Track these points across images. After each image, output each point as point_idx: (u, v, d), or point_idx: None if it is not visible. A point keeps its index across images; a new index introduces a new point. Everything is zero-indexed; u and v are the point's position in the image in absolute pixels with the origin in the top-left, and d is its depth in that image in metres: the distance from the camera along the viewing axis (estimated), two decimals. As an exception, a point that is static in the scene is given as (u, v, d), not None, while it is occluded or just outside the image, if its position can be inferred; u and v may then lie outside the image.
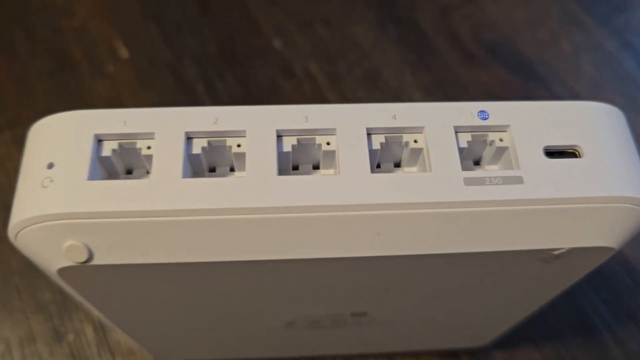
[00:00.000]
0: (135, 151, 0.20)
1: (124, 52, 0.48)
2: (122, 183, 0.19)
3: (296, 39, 0.49)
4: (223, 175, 0.22)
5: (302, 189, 0.19)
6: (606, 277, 0.39)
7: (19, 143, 0.43)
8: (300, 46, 0.49)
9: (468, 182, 0.20)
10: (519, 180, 0.20)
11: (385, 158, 0.22)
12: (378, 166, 0.22)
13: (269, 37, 0.49)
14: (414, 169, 0.22)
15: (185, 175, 0.19)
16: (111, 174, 0.21)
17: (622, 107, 0.46)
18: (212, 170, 0.22)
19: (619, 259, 0.40)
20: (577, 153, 0.21)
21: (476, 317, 0.30)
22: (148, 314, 0.26)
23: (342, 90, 0.46)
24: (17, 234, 0.20)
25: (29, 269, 0.38)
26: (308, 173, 0.22)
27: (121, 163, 0.21)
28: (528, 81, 0.48)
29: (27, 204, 0.19)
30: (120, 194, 0.19)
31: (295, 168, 0.22)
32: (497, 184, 0.20)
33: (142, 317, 0.26)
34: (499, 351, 0.37)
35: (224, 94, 0.46)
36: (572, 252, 0.21)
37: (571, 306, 0.38)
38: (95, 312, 0.25)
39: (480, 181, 0.20)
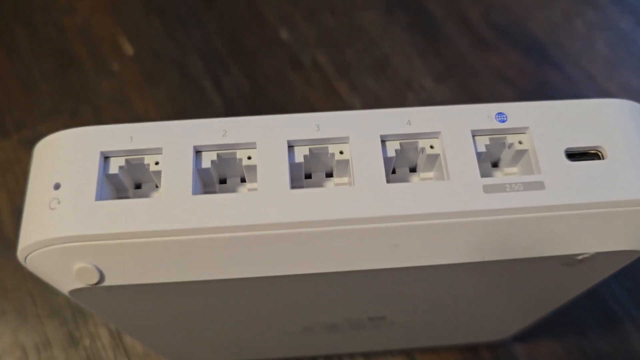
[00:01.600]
0: (143, 167, 0.20)
1: (128, 49, 0.47)
2: (130, 203, 0.18)
3: (302, 28, 0.48)
4: (234, 186, 0.21)
5: (316, 202, 0.18)
6: (627, 265, 0.38)
7: (27, 146, 0.43)
8: (307, 36, 0.48)
9: (488, 189, 0.19)
10: (540, 185, 0.19)
11: (400, 163, 0.21)
12: (393, 171, 0.21)
13: (275, 28, 0.48)
14: (431, 174, 0.21)
15: (195, 192, 0.19)
16: (119, 190, 0.21)
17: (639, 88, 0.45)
18: (222, 180, 0.21)
19: None
20: (600, 154, 0.20)
21: (497, 315, 0.30)
22: (162, 325, 0.25)
23: (351, 79, 0.45)
24: (26, 257, 0.19)
25: (42, 274, 0.38)
26: (321, 182, 0.21)
27: (129, 178, 0.21)
28: (541, 64, 0.47)
29: (35, 226, 0.19)
30: (129, 214, 0.18)
31: (308, 176, 0.21)
32: (517, 190, 0.19)
33: (157, 328, 0.26)
34: (519, 344, 0.37)
35: (232, 88, 0.45)
36: (596, 256, 0.20)
37: (592, 296, 0.38)
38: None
39: (500, 188, 0.19)
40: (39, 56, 0.47)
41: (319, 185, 0.21)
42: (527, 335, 0.36)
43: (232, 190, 0.21)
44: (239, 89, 0.45)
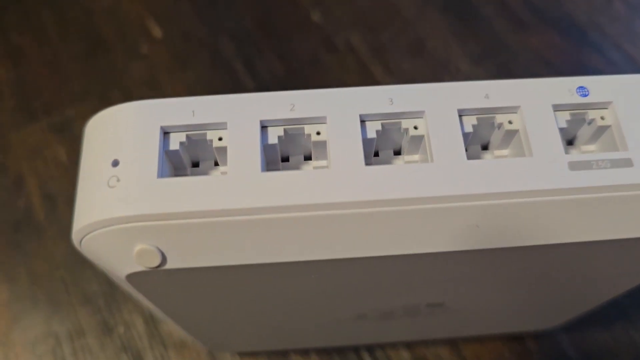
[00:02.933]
0: (205, 143, 0.19)
1: (157, 31, 0.46)
2: (195, 180, 0.17)
3: (336, 10, 0.47)
4: (297, 164, 0.20)
5: (395, 180, 0.17)
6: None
7: (56, 130, 0.42)
8: (340, 17, 0.46)
9: (573, 166, 0.18)
10: (628, 162, 0.18)
11: (473, 140, 0.20)
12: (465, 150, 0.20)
13: (307, 9, 0.47)
14: (505, 151, 0.20)
15: (264, 169, 0.18)
16: (177, 168, 0.19)
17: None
18: (284, 159, 0.20)
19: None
20: (688, 128, 0.19)
21: (554, 303, 0.29)
22: (213, 311, 0.24)
23: (387, 62, 0.44)
24: (82, 239, 0.18)
25: (75, 262, 0.37)
26: (390, 160, 0.20)
27: (187, 155, 0.19)
28: (581, 46, 0.45)
29: (93, 206, 0.18)
30: (196, 193, 0.17)
31: (375, 153, 0.20)
32: (604, 167, 0.18)
33: (206, 315, 0.25)
34: (566, 334, 0.36)
35: (265, 71, 0.44)
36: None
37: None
38: (148, 305, 0.24)
39: (586, 165, 0.18)
40: (67, 40, 0.46)
41: (388, 162, 0.20)
42: (573, 325, 0.35)
43: (298, 169, 0.20)
44: (272, 72, 0.44)
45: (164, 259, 0.18)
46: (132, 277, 0.19)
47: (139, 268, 0.18)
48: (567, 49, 0.45)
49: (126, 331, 0.36)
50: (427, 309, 0.26)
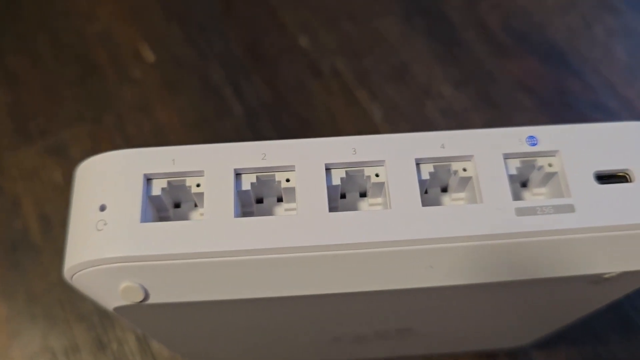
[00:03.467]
0: (185, 188, 0.20)
1: (149, 56, 0.48)
2: (174, 225, 0.19)
3: (322, 36, 0.48)
4: (271, 206, 0.22)
5: (355, 226, 0.19)
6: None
7: (52, 152, 0.44)
8: (326, 43, 0.48)
9: (520, 212, 0.20)
10: (570, 208, 0.20)
11: (432, 184, 0.22)
12: (425, 192, 0.22)
13: (295, 35, 0.49)
14: (462, 195, 0.22)
15: (236, 214, 0.19)
16: (160, 210, 0.21)
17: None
18: (259, 200, 0.22)
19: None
20: (627, 177, 0.20)
21: (518, 325, 0.30)
22: (194, 335, 0.26)
23: (371, 87, 0.46)
24: (73, 276, 0.20)
25: (70, 280, 0.39)
26: (355, 202, 0.22)
27: (169, 198, 0.21)
28: (560, 71, 0.47)
29: (82, 247, 0.19)
30: (174, 236, 0.19)
31: (343, 195, 0.22)
32: (548, 213, 0.20)
33: (188, 337, 0.27)
34: (538, 351, 0.37)
35: (252, 96, 0.45)
36: (623, 274, 0.21)
37: (611, 304, 0.38)
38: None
39: (531, 211, 0.20)
40: (62, 63, 0.48)
41: (354, 205, 0.22)
42: (545, 342, 0.37)
43: (270, 211, 0.21)
44: (260, 97, 0.45)
45: (146, 295, 0.20)
46: (119, 310, 0.21)
47: (125, 302, 0.20)
48: (546, 74, 0.47)
49: (119, 347, 0.38)
50: (397, 332, 0.28)
